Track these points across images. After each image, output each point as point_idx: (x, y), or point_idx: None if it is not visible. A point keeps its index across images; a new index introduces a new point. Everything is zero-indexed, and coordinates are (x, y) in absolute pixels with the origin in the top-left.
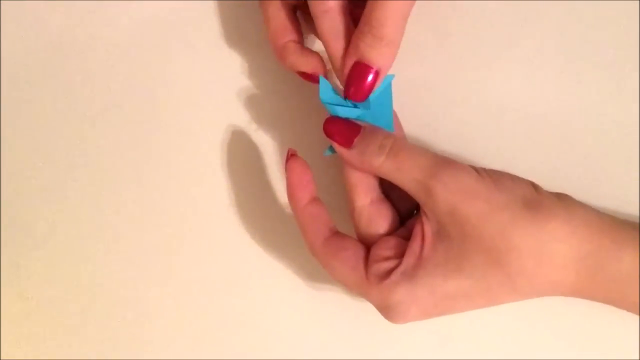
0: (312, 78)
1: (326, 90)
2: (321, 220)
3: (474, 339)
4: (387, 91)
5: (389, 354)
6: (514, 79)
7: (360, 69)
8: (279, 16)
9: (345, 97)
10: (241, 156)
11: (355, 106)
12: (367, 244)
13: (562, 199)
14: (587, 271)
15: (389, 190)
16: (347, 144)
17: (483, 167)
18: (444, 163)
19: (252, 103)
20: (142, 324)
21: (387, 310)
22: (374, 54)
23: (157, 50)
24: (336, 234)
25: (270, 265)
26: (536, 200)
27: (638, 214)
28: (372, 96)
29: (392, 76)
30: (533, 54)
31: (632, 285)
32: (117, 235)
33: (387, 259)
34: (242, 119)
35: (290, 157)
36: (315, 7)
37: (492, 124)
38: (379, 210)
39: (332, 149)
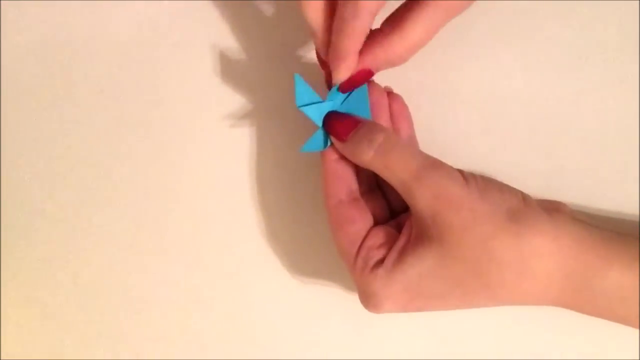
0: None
1: (302, 91)
2: (343, 179)
3: (474, 339)
4: (363, 88)
5: (389, 353)
6: (513, 76)
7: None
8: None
9: (331, 87)
10: (241, 155)
11: (331, 99)
12: (344, 237)
13: (551, 213)
14: (573, 287)
15: (383, 182)
16: (342, 137)
17: (472, 172)
18: (431, 166)
19: (254, 102)
20: (143, 324)
21: (363, 297)
22: (387, 66)
23: (157, 50)
24: (353, 200)
25: (273, 266)
26: (522, 212)
27: (638, 214)
28: (351, 92)
29: None
30: (533, 53)
31: (618, 301)
32: (117, 235)
33: (375, 248)
34: (243, 118)
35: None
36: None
37: (490, 123)
38: (354, 207)
39: (307, 146)
